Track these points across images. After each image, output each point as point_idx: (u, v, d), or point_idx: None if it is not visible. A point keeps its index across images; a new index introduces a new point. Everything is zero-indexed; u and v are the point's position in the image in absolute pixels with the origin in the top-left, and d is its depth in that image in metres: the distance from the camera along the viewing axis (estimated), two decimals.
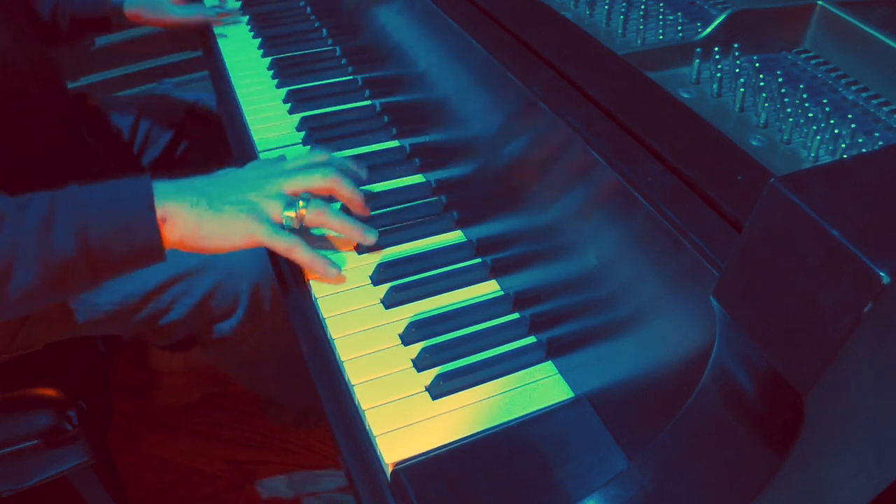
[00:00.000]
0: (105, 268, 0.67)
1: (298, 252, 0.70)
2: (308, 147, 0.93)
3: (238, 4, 1.29)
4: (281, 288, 0.80)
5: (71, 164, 1.03)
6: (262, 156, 0.91)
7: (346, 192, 0.74)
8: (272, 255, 0.85)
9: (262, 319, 1.00)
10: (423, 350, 0.65)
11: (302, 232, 0.73)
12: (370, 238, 0.75)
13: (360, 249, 0.77)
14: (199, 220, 0.68)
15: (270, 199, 0.71)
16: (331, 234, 0.78)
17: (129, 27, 1.23)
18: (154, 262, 0.69)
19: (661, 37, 0.79)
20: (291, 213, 0.71)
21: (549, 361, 0.65)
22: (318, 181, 0.73)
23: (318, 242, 0.77)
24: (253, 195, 0.71)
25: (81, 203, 0.66)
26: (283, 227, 0.71)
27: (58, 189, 0.67)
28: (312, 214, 0.72)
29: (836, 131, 0.63)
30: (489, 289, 0.72)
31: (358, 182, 0.77)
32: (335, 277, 0.72)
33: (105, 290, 0.93)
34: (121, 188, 0.68)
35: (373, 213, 0.79)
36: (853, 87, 0.70)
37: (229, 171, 0.74)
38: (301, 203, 0.71)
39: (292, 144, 0.94)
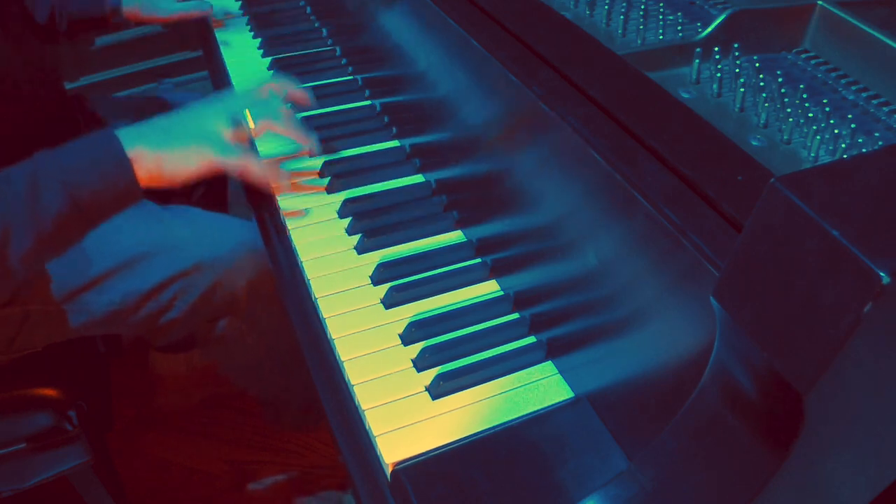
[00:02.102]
0: (93, 217, 0.72)
1: (251, 167, 0.76)
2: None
3: (237, 4, 1.29)
4: (281, 287, 0.80)
5: None
6: (260, 156, 0.91)
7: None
8: (271, 255, 0.85)
9: (260, 317, 1.01)
10: (423, 350, 0.65)
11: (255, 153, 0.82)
12: (315, 144, 0.85)
13: (360, 249, 0.77)
14: (160, 155, 0.73)
15: (219, 122, 0.76)
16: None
17: (127, 27, 1.22)
18: (133, 202, 0.73)
19: (661, 37, 0.79)
20: (241, 127, 0.76)
21: (549, 361, 0.65)
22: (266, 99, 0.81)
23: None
24: (204, 121, 0.76)
25: (60, 162, 0.69)
26: (235, 146, 0.76)
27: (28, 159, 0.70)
28: (260, 122, 0.78)
29: (836, 131, 0.63)
30: (489, 289, 0.72)
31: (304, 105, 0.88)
32: (292, 186, 0.82)
33: (105, 290, 0.93)
34: (90, 142, 0.72)
35: (373, 211, 0.80)
36: (853, 87, 0.70)
37: (186, 107, 0.79)
38: (248, 114, 0.77)
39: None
